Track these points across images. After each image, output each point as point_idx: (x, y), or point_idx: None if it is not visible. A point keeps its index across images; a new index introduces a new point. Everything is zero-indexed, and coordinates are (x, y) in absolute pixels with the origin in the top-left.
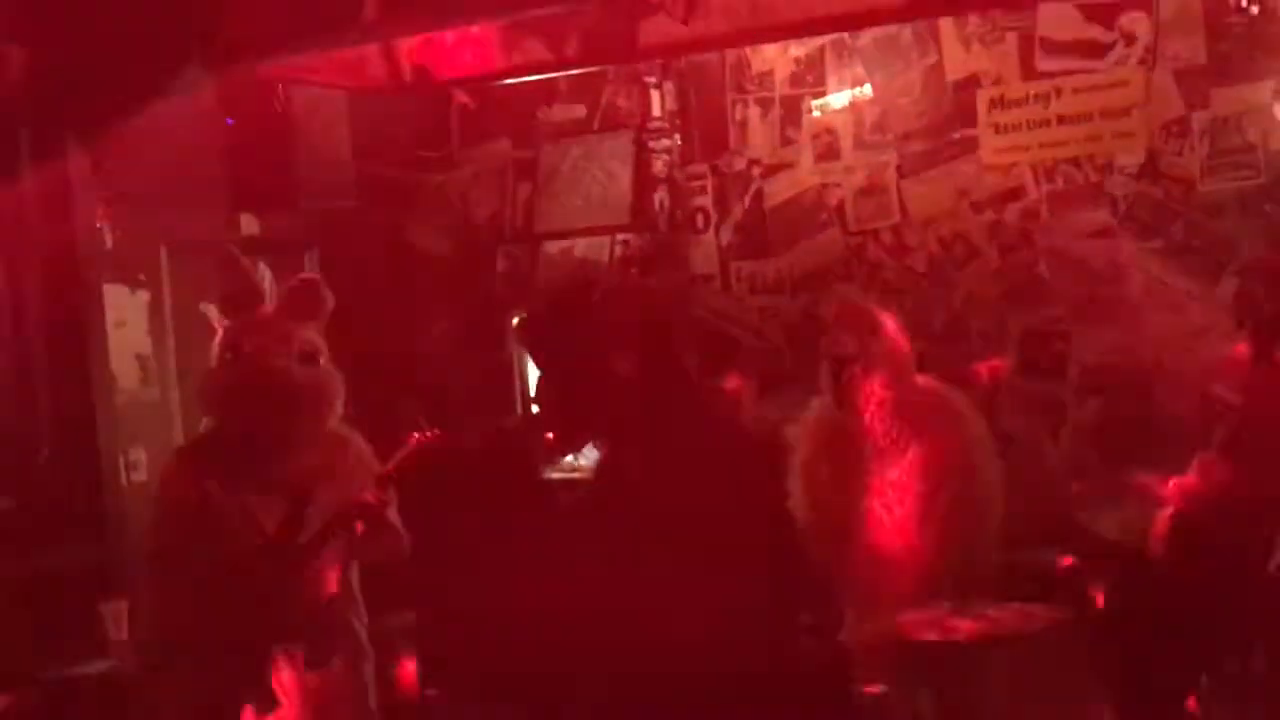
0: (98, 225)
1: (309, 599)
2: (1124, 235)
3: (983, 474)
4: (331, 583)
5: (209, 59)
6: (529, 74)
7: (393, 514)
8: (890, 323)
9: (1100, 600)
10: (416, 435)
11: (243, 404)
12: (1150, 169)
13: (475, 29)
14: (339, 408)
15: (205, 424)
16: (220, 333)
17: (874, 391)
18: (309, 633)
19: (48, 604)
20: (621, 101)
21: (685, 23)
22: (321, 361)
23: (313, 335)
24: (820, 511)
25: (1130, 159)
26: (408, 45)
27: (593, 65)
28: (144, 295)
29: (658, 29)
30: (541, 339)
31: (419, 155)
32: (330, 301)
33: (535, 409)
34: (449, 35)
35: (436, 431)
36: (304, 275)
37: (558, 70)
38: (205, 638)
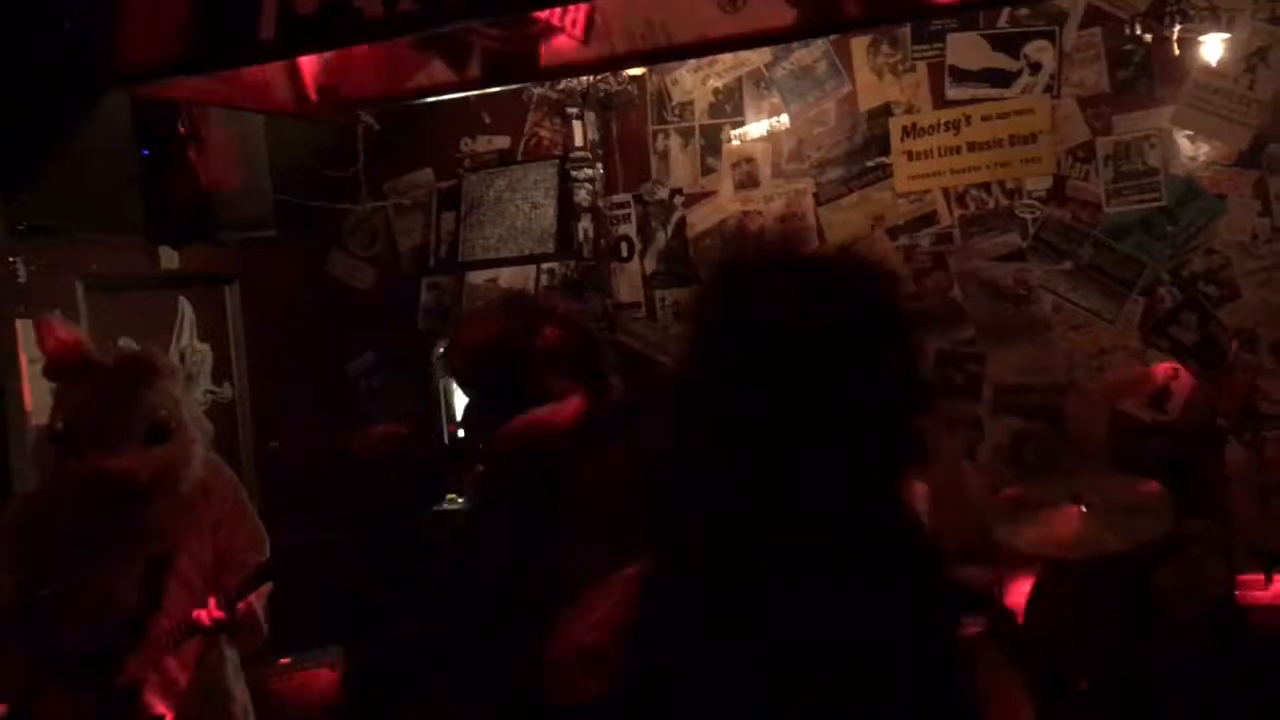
0: (10, 259)
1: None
2: (1033, 257)
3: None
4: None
5: (114, 85)
6: (434, 95)
7: (257, 606)
8: None
9: (1020, 614)
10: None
11: (83, 499)
12: (1058, 193)
13: (380, 51)
14: (196, 467)
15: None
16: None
17: None
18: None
19: None
20: (544, 132)
21: (584, 43)
22: (175, 426)
23: (162, 398)
24: None
25: (1038, 184)
26: (311, 67)
27: (495, 86)
28: None
29: (558, 50)
30: (470, 365)
31: (328, 177)
32: (170, 363)
33: (462, 435)
34: (353, 57)
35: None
36: (129, 348)
37: (462, 91)
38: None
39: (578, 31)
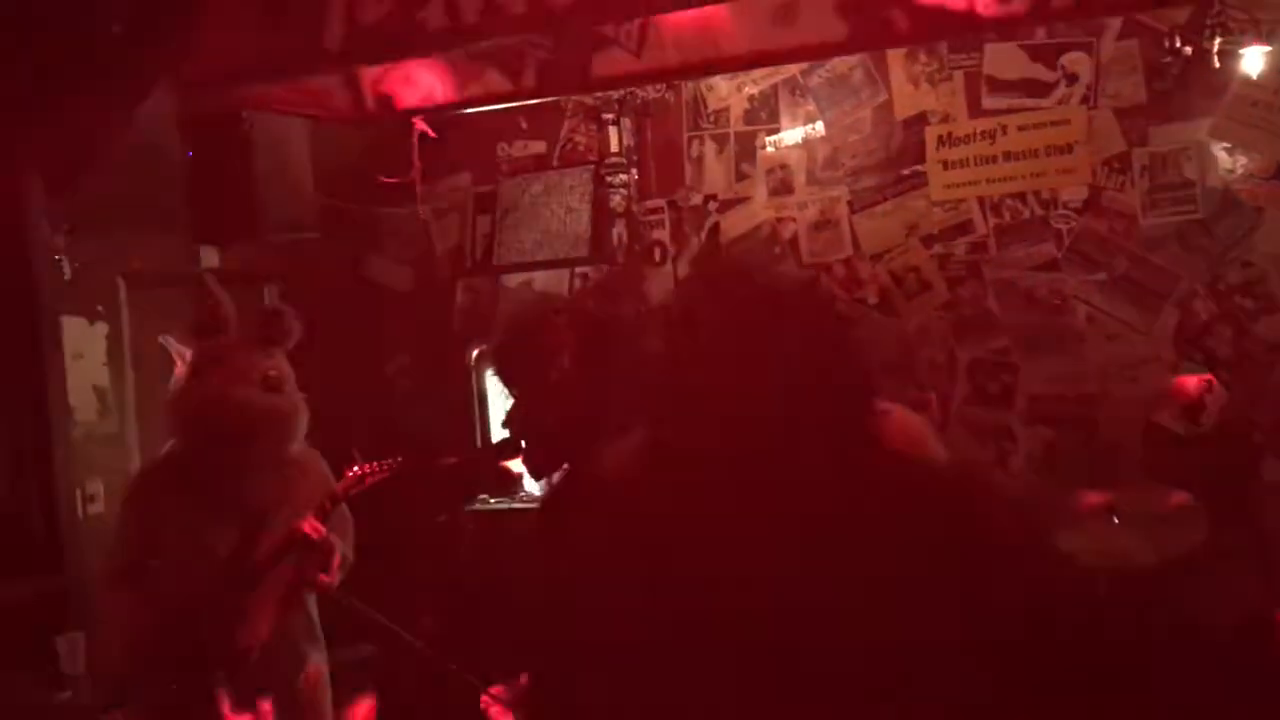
0: (56, 257)
1: (255, 630)
2: (1068, 268)
3: None
4: (274, 617)
5: (171, 87)
6: (488, 104)
7: (339, 536)
8: None
9: None
10: (355, 470)
11: (201, 430)
12: (1093, 204)
13: (437, 60)
14: (300, 434)
15: (168, 446)
16: (187, 357)
17: None
18: (251, 666)
19: (2, 637)
20: (580, 138)
21: (638, 55)
22: (286, 389)
23: (277, 363)
24: None
25: (1074, 194)
26: (370, 75)
27: (549, 96)
28: (102, 327)
29: (612, 61)
30: (512, 363)
31: (380, 182)
32: (298, 330)
33: (505, 435)
34: (411, 65)
35: (377, 465)
36: (272, 304)
37: (516, 100)
38: (156, 664)
39: (632, 44)
